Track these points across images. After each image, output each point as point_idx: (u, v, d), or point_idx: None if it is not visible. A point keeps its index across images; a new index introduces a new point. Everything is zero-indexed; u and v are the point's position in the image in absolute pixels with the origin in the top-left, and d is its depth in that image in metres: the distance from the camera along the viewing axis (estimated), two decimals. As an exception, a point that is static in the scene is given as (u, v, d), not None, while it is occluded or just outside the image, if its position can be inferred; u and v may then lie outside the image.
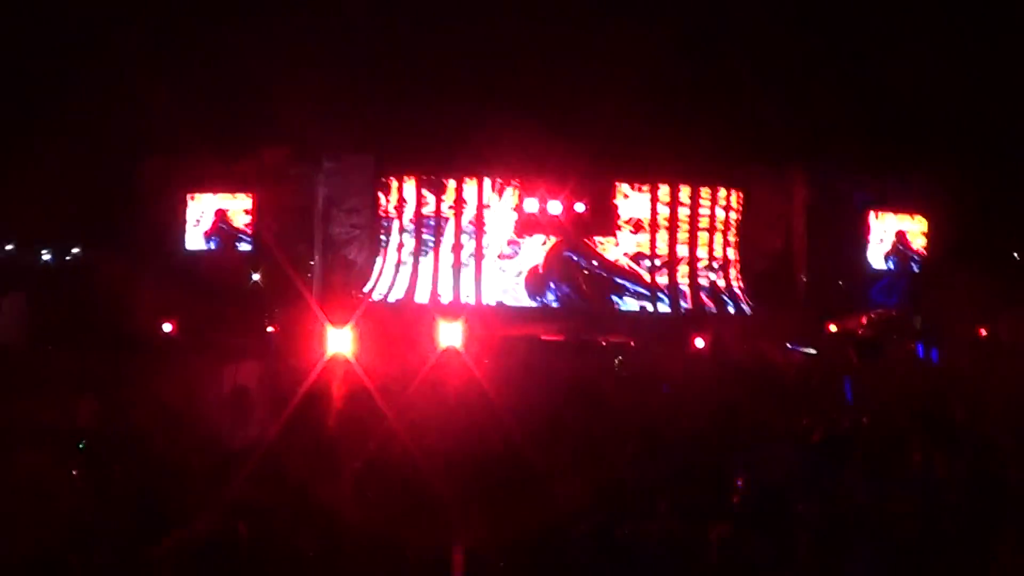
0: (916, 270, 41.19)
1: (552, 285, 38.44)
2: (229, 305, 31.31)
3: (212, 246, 40.32)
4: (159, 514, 9.22)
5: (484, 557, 9.52)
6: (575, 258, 38.58)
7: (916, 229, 41.51)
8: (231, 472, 10.37)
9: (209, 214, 40.20)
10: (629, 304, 38.59)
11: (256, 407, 14.35)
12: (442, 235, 39.10)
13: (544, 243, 38.36)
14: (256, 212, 39.95)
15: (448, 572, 9.25)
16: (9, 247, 46.36)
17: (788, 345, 30.19)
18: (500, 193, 38.62)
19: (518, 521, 10.16)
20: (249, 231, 40.11)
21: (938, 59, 33.24)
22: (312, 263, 39.55)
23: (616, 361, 26.72)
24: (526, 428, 13.48)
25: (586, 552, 9.71)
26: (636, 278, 38.78)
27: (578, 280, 38.48)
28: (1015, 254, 37.28)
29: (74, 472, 10.64)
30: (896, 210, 41.29)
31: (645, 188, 38.69)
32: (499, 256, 38.59)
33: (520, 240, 38.50)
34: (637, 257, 38.92)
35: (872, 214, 41.03)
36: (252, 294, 36.57)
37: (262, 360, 18.86)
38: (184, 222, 40.08)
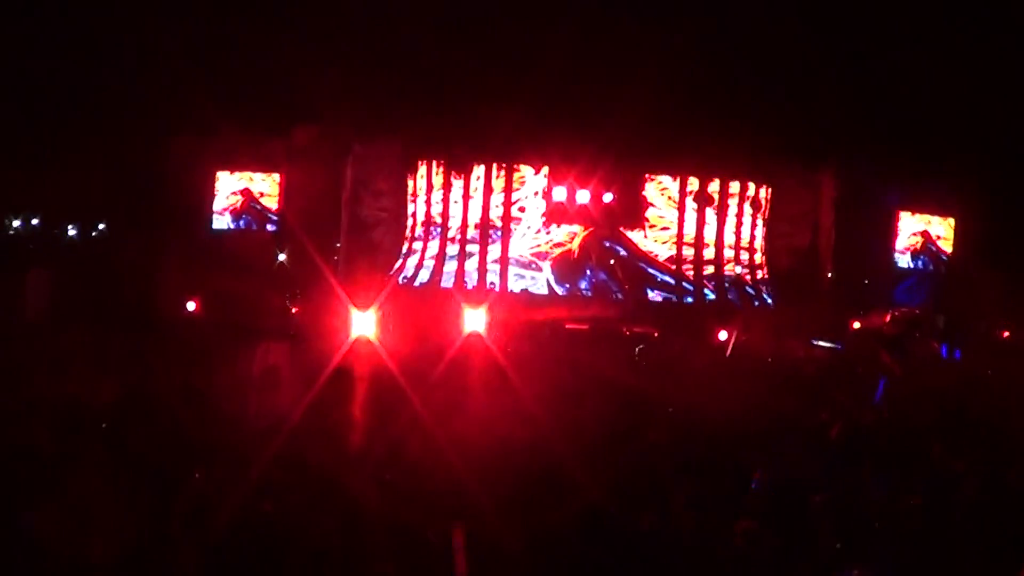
0: (942, 270, 41.10)
1: (588, 272, 38.39)
2: (254, 285, 31.38)
3: (239, 225, 40.44)
4: (183, 492, 9.30)
5: (493, 541, 9.56)
6: (610, 245, 38.58)
7: (943, 230, 41.43)
8: (256, 452, 10.44)
9: (237, 193, 40.32)
10: (656, 295, 38.59)
11: (285, 387, 14.42)
12: (467, 220, 39.09)
13: (572, 233, 38.34)
14: (284, 192, 40.05)
15: (452, 554, 9.30)
16: (35, 222, 46.61)
17: (812, 341, 30.17)
18: (527, 181, 38.66)
19: (535, 507, 10.21)
20: (276, 211, 40.23)
21: (972, 61, 33.13)
22: (338, 245, 39.63)
23: (636, 350, 26.76)
24: (548, 415, 13.54)
25: (601, 542, 9.73)
26: (666, 270, 38.75)
27: (615, 268, 38.44)
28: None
29: (96, 450, 10.67)
30: (923, 211, 41.21)
31: (674, 181, 38.63)
32: (527, 244, 38.60)
33: (548, 229, 38.51)
34: (664, 249, 38.93)
35: (899, 213, 40.95)
36: (278, 274, 36.70)
37: (292, 341, 18.96)
38: (212, 201, 40.19)
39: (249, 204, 40.24)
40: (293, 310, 30.41)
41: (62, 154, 34.92)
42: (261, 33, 34.57)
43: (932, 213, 41.09)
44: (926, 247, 41.14)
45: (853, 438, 14.32)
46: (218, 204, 40.26)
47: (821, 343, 30.38)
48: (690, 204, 38.87)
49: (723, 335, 28.61)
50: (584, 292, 38.23)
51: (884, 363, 25.25)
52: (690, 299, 38.64)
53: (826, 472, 12.15)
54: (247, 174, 40.25)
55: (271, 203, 40.31)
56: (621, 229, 38.57)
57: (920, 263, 41.27)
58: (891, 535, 10.09)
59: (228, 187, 40.37)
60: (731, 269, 39.62)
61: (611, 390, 17.14)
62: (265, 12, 35.35)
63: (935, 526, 10.26)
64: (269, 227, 40.23)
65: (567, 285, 38.37)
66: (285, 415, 12.31)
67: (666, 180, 38.78)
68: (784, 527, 10.12)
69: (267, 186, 40.31)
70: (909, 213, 41.04)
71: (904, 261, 41.18)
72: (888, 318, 33.86)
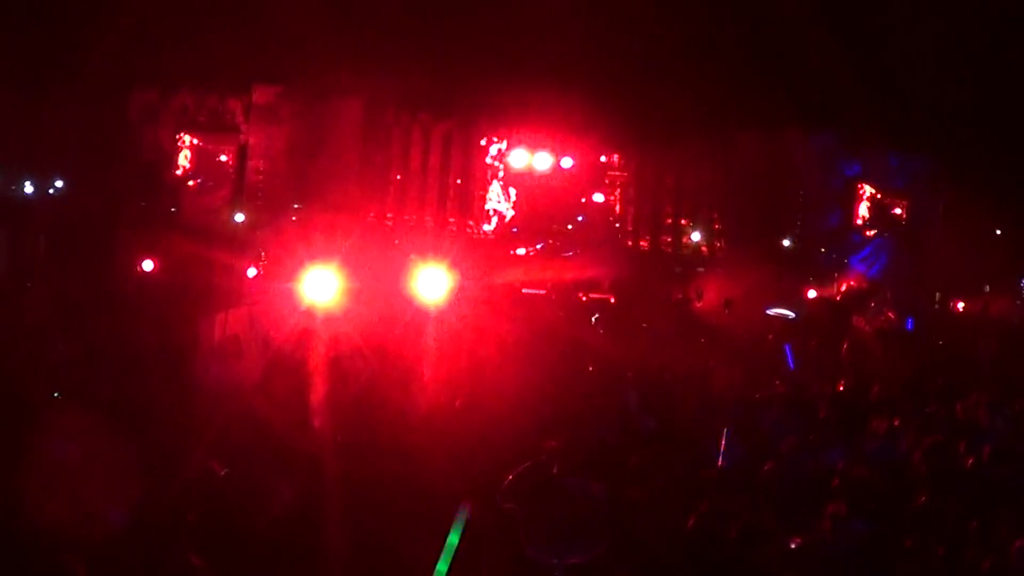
0: (896, 241, 41.31)
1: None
2: (212, 247, 31.19)
3: (197, 185, 40.08)
4: (139, 457, 9.28)
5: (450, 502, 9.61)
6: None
7: (900, 202, 41.60)
8: (214, 416, 10.44)
9: (196, 152, 39.94)
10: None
11: (245, 355, 14.39)
12: (427, 182, 39.07)
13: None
14: (242, 152, 39.73)
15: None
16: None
17: (768, 311, 30.32)
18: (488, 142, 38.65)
19: (487, 469, 10.26)
20: (234, 171, 39.91)
21: (944, 49, 33.19)
22: (296, 206, 39.39)
23: (592, 319, 26.90)
24: (506, 380, 13.59)
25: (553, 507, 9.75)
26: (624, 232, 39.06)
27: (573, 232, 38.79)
28: (998, 231, 37.37)
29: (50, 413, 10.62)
30: (882, 183, 41.35)
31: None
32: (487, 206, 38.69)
33: (508, 192, 38.57)
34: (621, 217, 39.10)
35: (859, 184, 41.08)
36: (235, 236, 36.45)
37: (250, 307, 18.86)
38: (170, 160, 39.80)
39: (208, 164, 39.87)
40: (252, 272, 30.25)
41: (17, 109, 34.40)
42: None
43: (891, 186, 41.24)
44: (882, 219, 41.32)
45: (799, 408, 14.47)
46: (176, 163, 39.86)
47: (779, 311, 30.56)
48: (649, 172, 38.97)
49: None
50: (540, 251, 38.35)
51: (854, 326, 25.56)
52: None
53: (776, 443, 12.26)
54: (206, 133, 39.85)
55: (230, 163, 39.97)
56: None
57: (876, 234, 41.45)
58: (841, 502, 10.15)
59: (187, 146, 39.97)
60: (687, 234, 39.77)
61: (570, 354, 17.25)
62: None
63: (881, 500, 10.35)
64: (227, 188, 39.88)
65: (527, 249, 38.46)
66: (244, 382, 12.31)
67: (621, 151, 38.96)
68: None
69: (226, 146, 39.94)
70: (868, 185, 41.18)
71: (861, 231, 41.36)
72: (844, 287, 34.17)
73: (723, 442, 12.25)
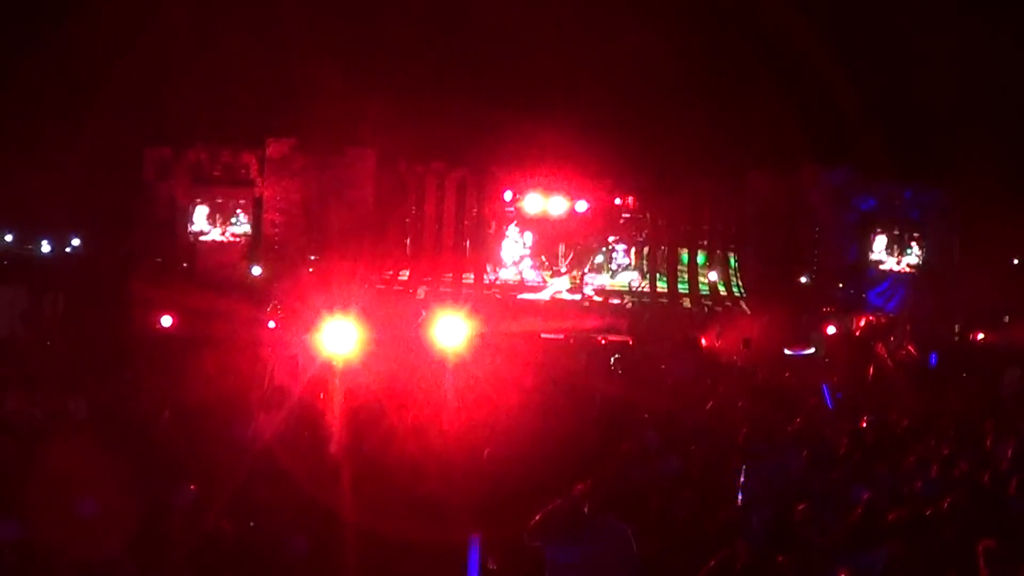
0: (913, 275, 41.20)
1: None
2: (229, 300, 31.24)
3: (213, 238, 40.25)
4: (161, 512, 9.26)
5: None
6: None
7: (916, 235, 41.53)
8: (237, 469, 10.43)
9: (211, 207, 40.12)
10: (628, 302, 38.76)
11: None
12: (443, 228, 39.25)
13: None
14: (257, 205, 39.92)
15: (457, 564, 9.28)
16: (8, 238, 46.28)
17: (787, 351, 30.14)
18: (501, 190, 38.80)
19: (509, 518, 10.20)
20: (250, 225, 40.08)
21: (956, 83, 33.26)
22: (313, 258, 39.50)
23: (612, 360, 26.81)
24: (524, 426, 13.54)
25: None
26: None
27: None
28: (1015, 260, 37.32)
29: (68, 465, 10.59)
30: (897, 218, 41.30)
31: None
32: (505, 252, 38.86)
33: (523, 236, 38.76)
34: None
35: (875, 219, 41.04)
36: (252, 289, 36.52)
37: (270, 361, 18.80)
38: (185, 215, 40.00)
39: (223, 218, 40.05)
40: (270, 324, 30.25)
41: (34, 168, 34.67)
42: (236, 46, 34.43)
43: (906, 220, 41.20)
44: (899, 253, 41.24)
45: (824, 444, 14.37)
46: (192, 218, 40.06)
47: (798, 352, 30.35)
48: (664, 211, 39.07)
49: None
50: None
51: (879, 355, 25.41)
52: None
53: (804, 480, 12.18)
54: (221, 187, 40.06)
55: (245, 216, 40.14)
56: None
57: (894, 268, 41.37)
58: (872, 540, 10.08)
59: (202, 200, 40.16)
60: (704, 276, 39.78)
61: (588, 399, 17.18)
62: (241, 24, 35.18)
63: (915, 532, 10.26)
64: (242, 240, 40.04)
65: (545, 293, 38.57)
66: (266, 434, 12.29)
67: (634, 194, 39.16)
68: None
69: (241, 199, 40.13)
70: (884, 220, 41.14)
71: (878, 266, 41.28)
72: (863, 323, 34.02)
73: (741, 480, 12.19)
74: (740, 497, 12.01)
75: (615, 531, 9.51)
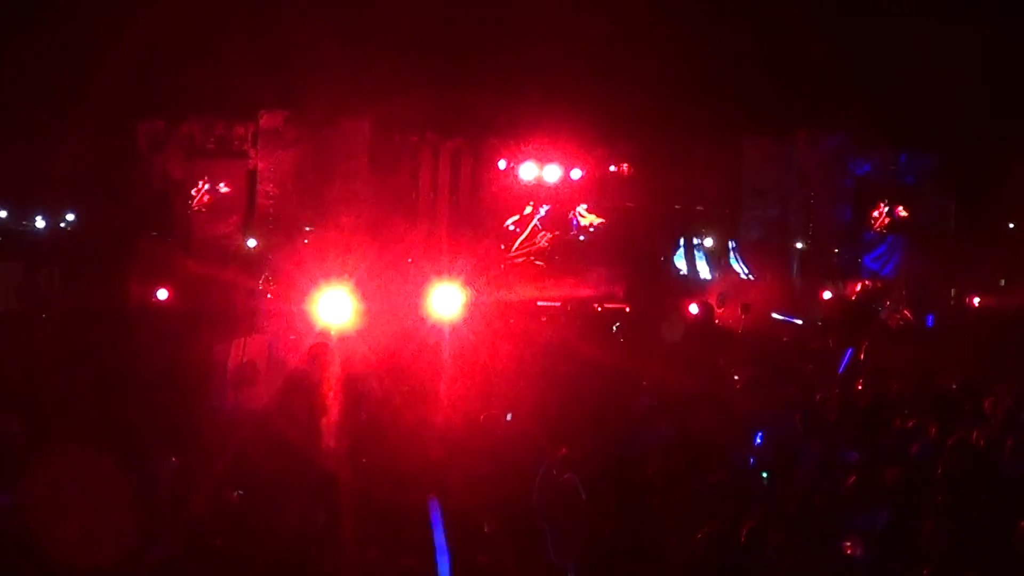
0: (909, 239, 41.15)
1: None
2: (225, 272, 31.22)
3: (207, 212, 40.11)
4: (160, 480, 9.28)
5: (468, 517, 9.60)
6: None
7: (911, 199, 41.45)
8: (231, 440, 10.44)
9: (205, 179, 39.96)
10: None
11: (262, 382, 14.35)
12: (439, 200, 39.12)
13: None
14: (251, 177, 39.77)
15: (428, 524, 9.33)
16: (2, 214, 46.19)
17: (775, 315, 30.18)
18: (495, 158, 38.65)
19: (502, 483, 10.22)
20: (244, 196, 39.94)
21: (952, 46, 33.12)
22: (308, 229, 39.41)
23: (613, 327, 26.82)
24: (522, 396, 13.56)
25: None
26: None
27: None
28: (1010, 224, 37.29)
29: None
30: (893, 181, 41.21)
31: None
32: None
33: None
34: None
35: (868, 183, 40.96)
36: (248, 261, 36.46)
37: (266, 332, 18.83)
38: (179, 187, 39.86)
39: (217, 190, 39.90)
40: (267, 296, 30.21)
41: (27, 144, 34.54)
42: (228, 15, 34.23)
43: (900, 185, 41.11)
44: (894, 217, 41.16)
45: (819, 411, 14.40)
46: (186, 190, 39.91)
47: (788, 318, 30.39)
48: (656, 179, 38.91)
49: (694, 308, 28.70)
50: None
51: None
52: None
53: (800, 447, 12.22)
54: (215, 159, 39.90)
55: (239, 188, 40.00)
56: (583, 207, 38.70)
57: (889, 232, 41.29)
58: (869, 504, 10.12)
59: (196, 173, 40.00)
60: (700, 242, 39.69)
61: (586, 366, 17.20)
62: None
63: (906, 499, 10.29)
64: (237, 213, 39.91)
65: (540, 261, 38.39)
66: (261, 405, 12.31)
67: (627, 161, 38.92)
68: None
69: (235, 171, 39.97)
70: (876, 184, 41.04)
71: (873, 230, 41.22)
72: (859, 287, 34.04)
73: (756, 445, 12.28)
74: (752, 461, 12.07)
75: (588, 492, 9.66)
